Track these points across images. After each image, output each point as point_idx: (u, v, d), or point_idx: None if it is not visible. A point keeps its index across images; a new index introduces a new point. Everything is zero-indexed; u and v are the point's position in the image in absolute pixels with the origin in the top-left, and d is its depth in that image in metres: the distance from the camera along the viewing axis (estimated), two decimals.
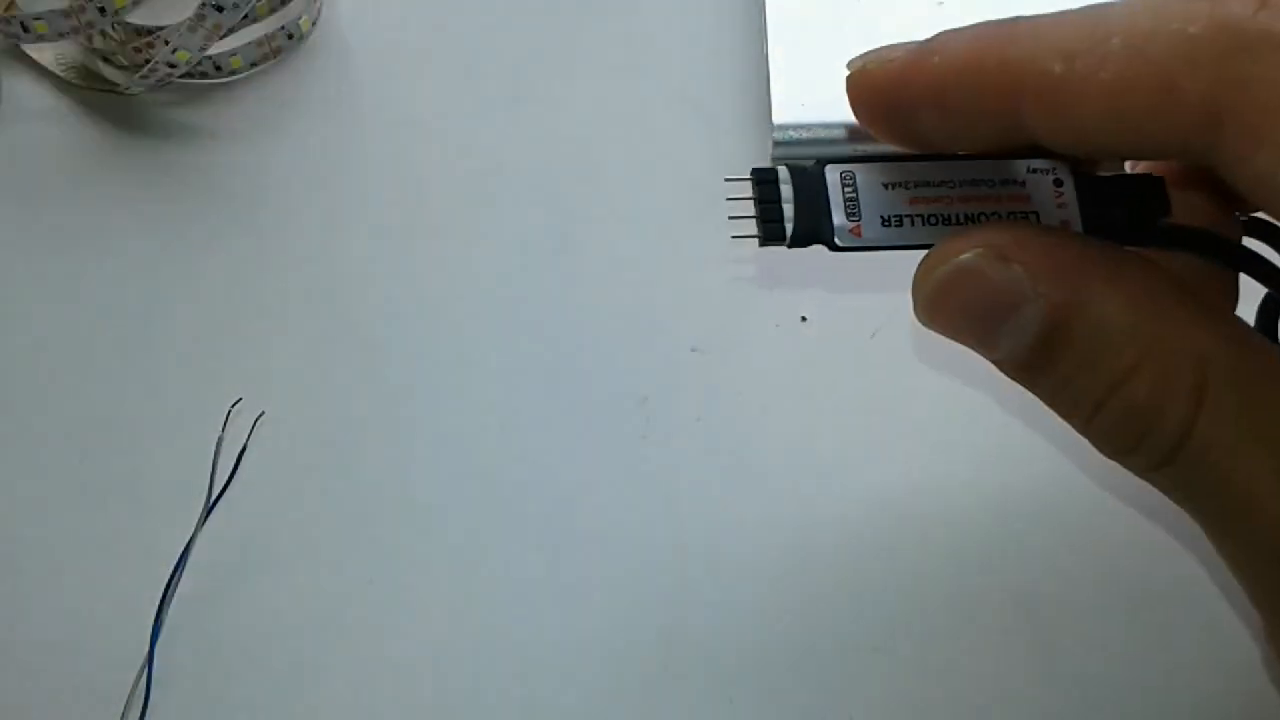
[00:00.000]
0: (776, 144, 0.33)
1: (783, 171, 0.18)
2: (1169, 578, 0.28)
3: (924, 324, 0.18)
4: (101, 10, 0.32)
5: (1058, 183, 0.19)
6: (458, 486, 0.29)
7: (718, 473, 0.30)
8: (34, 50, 0.35)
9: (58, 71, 0.35)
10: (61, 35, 0.33)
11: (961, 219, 0.18)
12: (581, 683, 0.27)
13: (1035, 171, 0.19)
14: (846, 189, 0.18)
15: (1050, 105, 0.16)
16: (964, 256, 0.17)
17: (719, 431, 0.30)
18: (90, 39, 0.34)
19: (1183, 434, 0.16)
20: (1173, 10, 0.15)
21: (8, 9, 0.35)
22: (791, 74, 0.33)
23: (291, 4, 0.35)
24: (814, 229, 0.18)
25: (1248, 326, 0.18)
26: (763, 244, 0.18)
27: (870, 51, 0.19)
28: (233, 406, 0.30)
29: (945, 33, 0.18)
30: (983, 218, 0.18)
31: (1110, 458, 0.18)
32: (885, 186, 0.18)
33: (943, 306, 0.18)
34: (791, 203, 0.18)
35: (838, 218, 0.18)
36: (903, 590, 0.28)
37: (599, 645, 0.28)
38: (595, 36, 0.37)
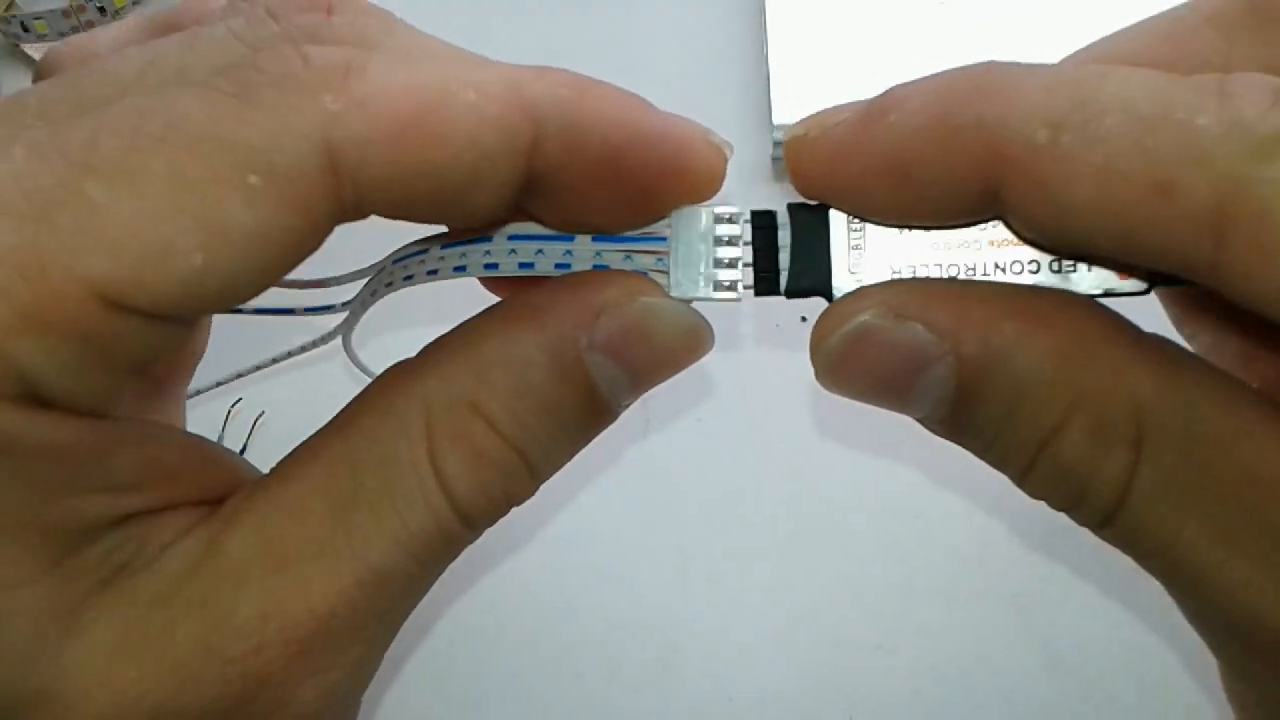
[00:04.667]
0: (776, 144, 0.33)
1: (781, 214, 0.17)
2: None
3: (829, 390, 0.16)
4: (101, 10, 0.32)
5: None
6: None
7: (718, 473, 0.30)
8: (34, 50, 0.35)
9: None
10: (61, 35, 0.33)
11: (992, 270, 0.16)
12: (581, 680, 0.27)
13: None
14: (854, 235, 0.16)
15: (1033, 180, 0.14)
16: (859, 319, 0.15)
17: (719, 431, 0.30)
18: None
19: (1120, 494, 0.14)
20: (1177, 96, 0.13)
21: (8, 9, 0.34)
22: (791, 74, 0.33)
23: None
24: (811, 282, 0.17)
25: (1197, 362, 0.15)
26: (757, 294, 0.17)
27: (809, 117, 0.16)
28: (232, 406, 0.30)
29: (896, 88, 0.15)
30: (1016, 267, 0.16)
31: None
32: (900, 232, 0.16)
33: (845, 374, 0.16)
34: (788, 250, 0.17)
35: (839, 272, 0.16)
36: (903, 590, 0.28)
37: (598, 643, 0.28)
38: (594, 36, 0.37)
